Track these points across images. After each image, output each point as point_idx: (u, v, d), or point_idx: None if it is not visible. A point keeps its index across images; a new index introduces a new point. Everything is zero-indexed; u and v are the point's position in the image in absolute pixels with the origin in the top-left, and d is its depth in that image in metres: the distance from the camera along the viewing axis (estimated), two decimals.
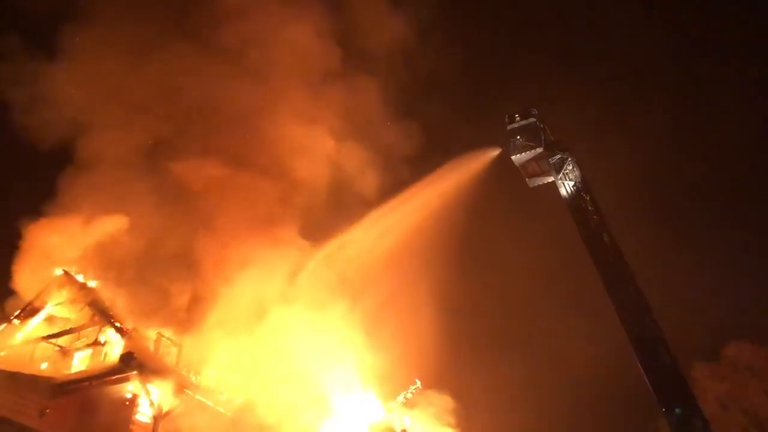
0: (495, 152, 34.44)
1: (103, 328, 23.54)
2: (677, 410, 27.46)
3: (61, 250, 26.51)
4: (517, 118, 34.26)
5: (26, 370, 22.21)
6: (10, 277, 26.45)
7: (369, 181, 33.88)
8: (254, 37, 33.23)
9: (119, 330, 23.12)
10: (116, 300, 25.56)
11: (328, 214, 32.53)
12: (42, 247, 26.30)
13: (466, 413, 31.66)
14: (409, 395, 31.55)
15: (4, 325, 25.44)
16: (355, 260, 30.43)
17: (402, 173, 35.95)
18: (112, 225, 27.21)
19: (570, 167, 33.49)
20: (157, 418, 20.82)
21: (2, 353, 24.91)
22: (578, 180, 33.52)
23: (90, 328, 24.05)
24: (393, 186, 34.47)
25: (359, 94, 35.29)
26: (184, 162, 30.11)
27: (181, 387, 21.49)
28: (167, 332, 24.37)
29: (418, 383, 32.11)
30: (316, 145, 33.24)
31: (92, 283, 26.48)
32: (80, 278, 26.32)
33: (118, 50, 31.74)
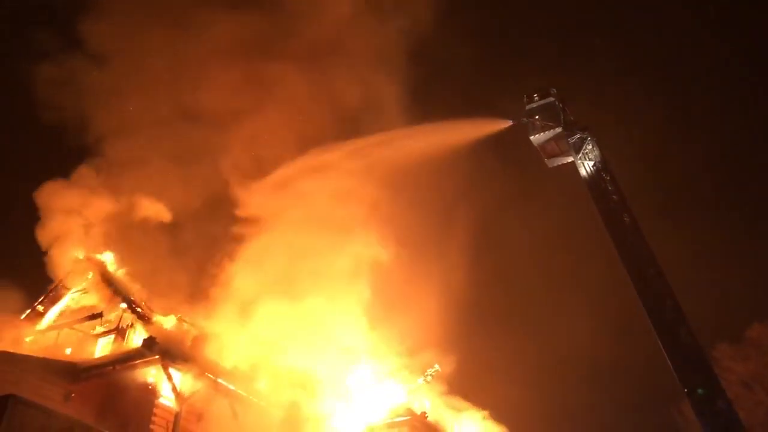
0: (504, 124, 33.91)
1: (125, 313, 23.73)
2: (700, 391, 27.29)
3: (84, 233, 26.80)
4: (536, 98, 33.86)
5: (51, 356, 22.52)
6: (33, 265, 26.88)
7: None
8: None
9: (141, 315, 23.31)
10: (138, 284, 25.81)
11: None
12: (64, 231, 26.61)
13: (483, 394, 31.81)
14: (429, 378, 31.60)
15: (29, 311, 25.80)
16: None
17: None
18: (139, 207, 27.47)
19: (590, 147, 33.14)
20: (180, 402, 20.98)
21: (28, 339, 25.33)
22: (598, 160, 33.17)
23: (112, 314, 24.27)
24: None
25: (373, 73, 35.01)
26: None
27: (203, 371, 21.62)
28: (189, 316, 24.54)
29: (437, 366, 32.13)
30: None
31: (113, 268, 26.77)
32: (102, 263, 26.59)
33: None
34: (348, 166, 30.78)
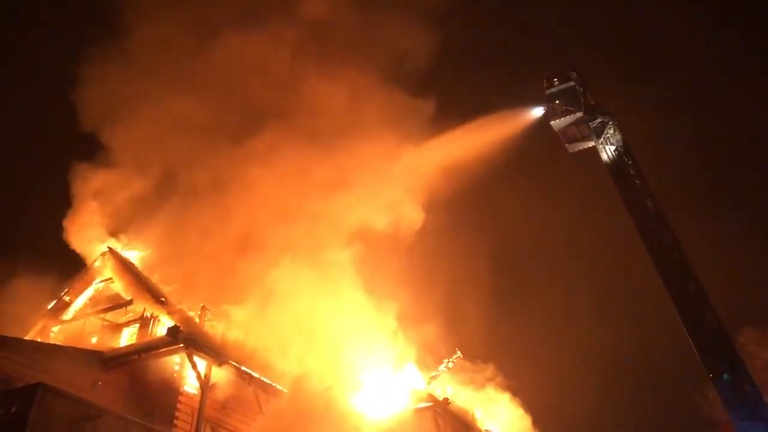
0: (537, 112, 33.66)
1: (149, 303, 23.99)
2: (725, 376, 27.06)
3: (109, 223, 27.16)
4: (556, 82, 33.50)
5: (77, 345, 22.90)
6: (60, 255, 27.27)
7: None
8: None
9: (165, 304, 23.54)
10: (161, 274, 26.06)
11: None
12: (89, 220, 26.95)
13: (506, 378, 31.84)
14: (450, 365, 31.64)
15: (56, 301, 26.20)
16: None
17: None
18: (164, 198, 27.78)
19: (611, 131, 32.77)
20: (204, 390, 21.21)
21: (55, 329, 25.75)
22: (620, 144, 32.79)
23: (136, 303, 24.55)
24: None
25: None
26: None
27: (227, 359, 21.83)
28: (212, 305, 24.73)
29: (459, 353, 32.17)
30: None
31: (136, 258, 27.06)
32: (125, 254, 26.90)
33: None
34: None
